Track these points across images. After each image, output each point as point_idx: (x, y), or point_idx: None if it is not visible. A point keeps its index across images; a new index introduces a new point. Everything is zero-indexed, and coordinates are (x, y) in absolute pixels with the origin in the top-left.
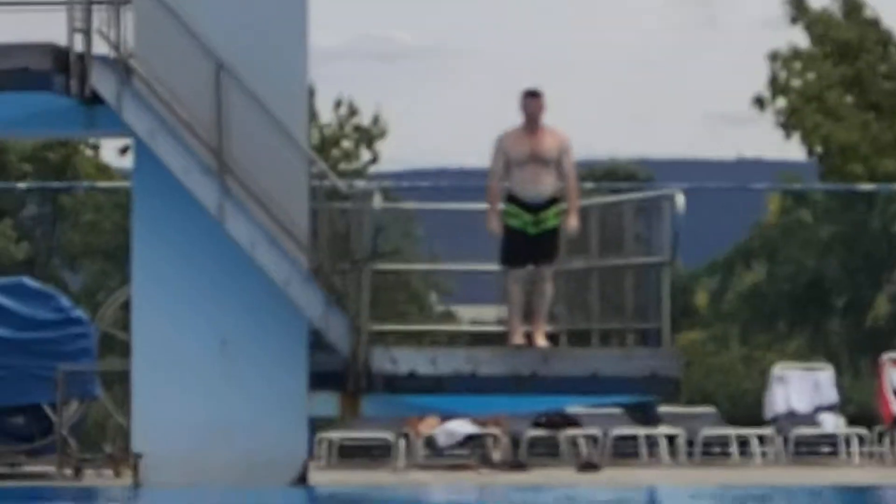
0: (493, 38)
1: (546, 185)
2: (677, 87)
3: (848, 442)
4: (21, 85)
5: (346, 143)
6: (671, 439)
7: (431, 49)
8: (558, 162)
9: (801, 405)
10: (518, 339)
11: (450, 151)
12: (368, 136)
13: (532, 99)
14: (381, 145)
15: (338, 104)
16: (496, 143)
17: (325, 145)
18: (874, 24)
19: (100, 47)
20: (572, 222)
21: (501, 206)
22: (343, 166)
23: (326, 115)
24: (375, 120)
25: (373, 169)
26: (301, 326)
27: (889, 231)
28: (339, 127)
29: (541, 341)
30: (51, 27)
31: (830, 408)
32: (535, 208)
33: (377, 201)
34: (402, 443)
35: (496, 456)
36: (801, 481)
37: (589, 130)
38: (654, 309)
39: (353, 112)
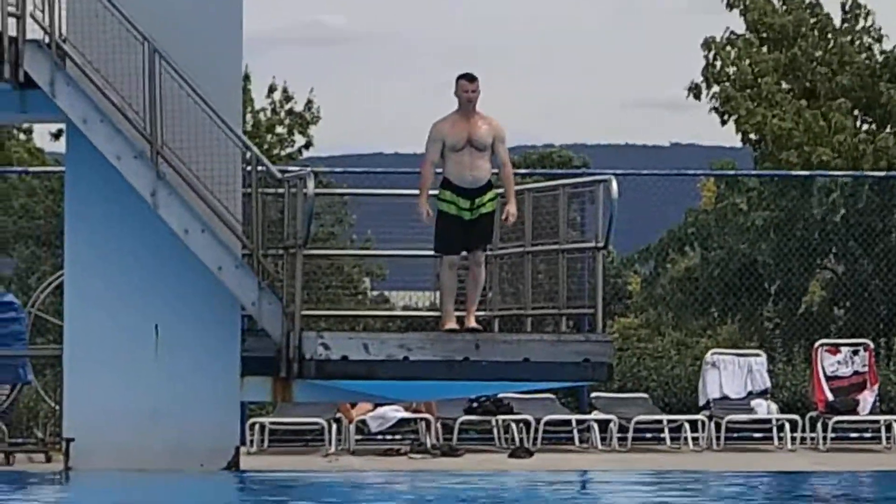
0: (427, 24)
1: (482, 171)
2: (612, 73)
3: (781, 428)
4: None
5: (280, 129)
6: (603, 425)
7: (365, 34)
8: (493, 148)
9: (734, 391)
10: (451, 324)
11: (385, 137)
12: (302, 122)
13: (467, 83)
14: (314, 130)
15: (271, 90)
16: (432, 129)
17: (260, 131)
18: (812, 7)
19: (33, 32)
20: (512, 210)
21: (435, 192)
22: (277, 151)
23: (261, 100)
24: (308, 105)
25: (307, 154)
26: (234, 312)
27: (823, 218)
28: (273, 112)
29: (472, 323)
30: None
31: (763, 394)
32: (471, 194)
33: (311, 187)
34: (333, 428)
35: (428, 441)
36: (733, 467)
37: (523, 116)
38: (588, 294)
39: (287, 97)
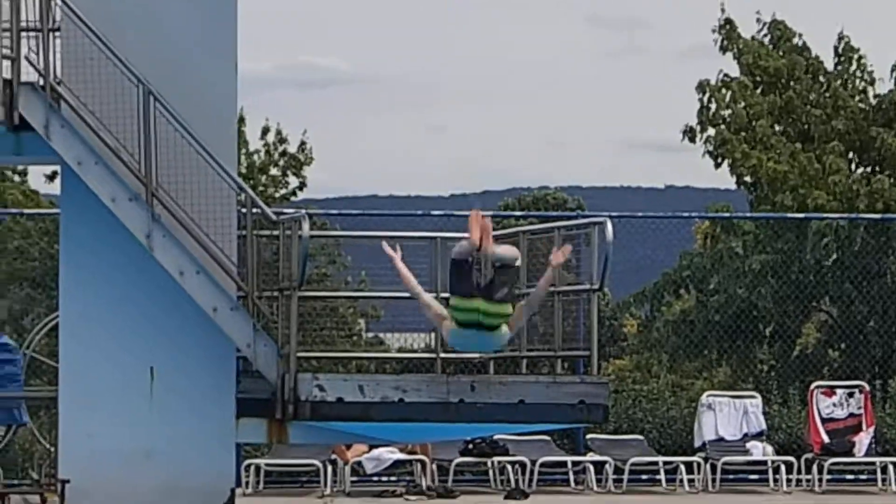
0: (422, 65)
1: None
2: (608, 115)
3: (776, 470)
4: None
5: (274, 171)
6: (599, 467)
7: (358, 76)
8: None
9: (730, 433)
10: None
11: (379, 178)
12: (296, 163)
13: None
14: (308, 172)
15: (265, 132)
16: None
17: (254, 172)
18: (803, 51)
19: (28, 74)
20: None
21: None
22: (271, 193)
23: (254, 142)
24: (302, 146)
25: (301, 196)
26: (229, 354)
27: (819, 261)
28: (266, 154)
29: None
30: None
31: (759, 435)
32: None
33: (305, 229)
34: (329, 469)
35: (424, 483)
36: None
37: (518, 158)
38: (583, 336)
39: (281, 139)
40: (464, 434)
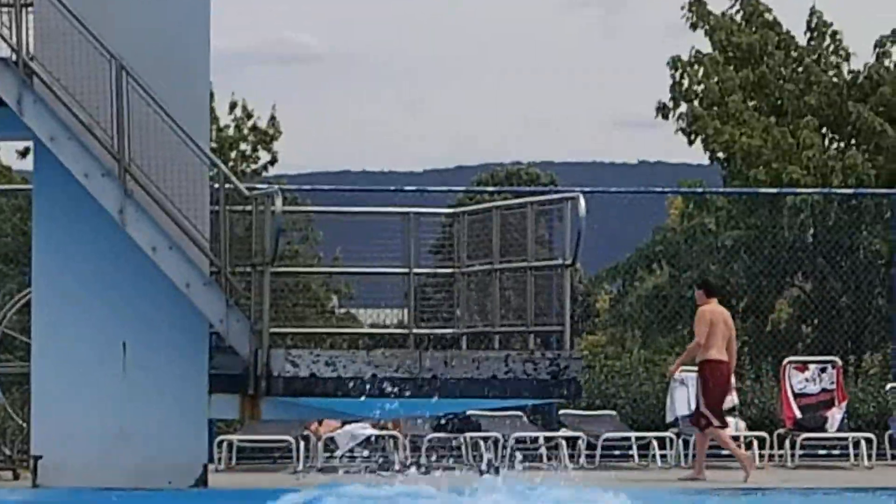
0: (395, 41)
1: None
2: (580, 92)
3: (749, 445)
4: None
5: (244, 146)
6: (572, 442)
7: (332, 52)
8: None
9: None
10: None
11: (352, 154)
12: (266, 138)
13: None
14: (279, 147)
15: (233, 106)
16: None
17: (225, 148)
18: (774, 26)
19: (1, 50)
20: None
21: None
22: (242, 168)
23: (225, 117)
24: (272, 121)
25: (273, 171)
26: (201, 329)
27: (797, 237)
28: (236, 129)
29: None
30: None
31: (731, 411)
32: None
33: (278, 204)
34: (302, 445)
35: (396, 459)
36: (701, 484)
37: (491, 134)
38: (556, 312)
39: (249, 115)
40: (436, 410)
